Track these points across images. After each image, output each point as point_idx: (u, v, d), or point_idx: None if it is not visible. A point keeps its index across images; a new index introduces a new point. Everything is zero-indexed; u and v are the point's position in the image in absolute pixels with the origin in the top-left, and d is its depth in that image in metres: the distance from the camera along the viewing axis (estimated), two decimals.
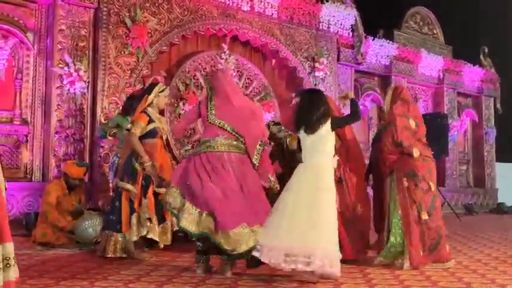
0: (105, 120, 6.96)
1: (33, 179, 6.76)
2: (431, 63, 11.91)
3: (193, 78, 8.21)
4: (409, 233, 4.33)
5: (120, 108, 7.14)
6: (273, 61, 9.33)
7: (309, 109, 4.01)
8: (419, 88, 12.03)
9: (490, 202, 13.07)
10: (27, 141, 6.80)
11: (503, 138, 13.61)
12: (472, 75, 12.96)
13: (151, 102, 4.90)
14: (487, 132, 13.23)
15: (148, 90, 5.03)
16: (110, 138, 6.39)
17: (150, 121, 4.81)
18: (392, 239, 4.41)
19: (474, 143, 13.26)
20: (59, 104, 6.78)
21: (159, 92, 4.97)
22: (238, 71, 8.69)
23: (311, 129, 3.96)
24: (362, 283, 3.72)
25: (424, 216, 4.38)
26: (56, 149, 6.72)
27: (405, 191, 4.42)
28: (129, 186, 4.64)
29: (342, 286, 3.60)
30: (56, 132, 6.74)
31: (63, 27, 6.86)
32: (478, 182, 13.13)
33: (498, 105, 13.47)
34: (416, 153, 4.46)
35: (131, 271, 4.03)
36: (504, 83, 13.61)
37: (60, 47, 6.82)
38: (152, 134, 4.82)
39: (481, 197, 12.85)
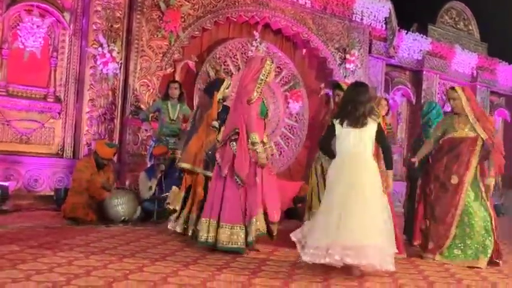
0: (136, 102, 7.09)
1: (64, 156, 6.92)
2: (465, 60, 11.67)
3: (224, 64, 8.24)
4: None
5: (151, 91, 7.27)
6: (304, 51, 9.26)
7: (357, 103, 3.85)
8: (451, 85, 11.78)
9: None
10: (59, 118, 6.94)
11: None
12: (507, 74, 12.64)
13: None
14: None
15: (217, 86, 5.13)
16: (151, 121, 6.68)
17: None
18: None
19: (505, 142, 12.92)
20: (91, 84, 6.89)
21: (226, 89, 5.11)
22: None
23: (358, 123, 3.82)
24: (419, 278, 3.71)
25: None
26: (87, 128, 6.85)
27: None
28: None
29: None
30: (88, 112, 6.87)
31: (98, 8, 6.95)
32: (507, 183, 12.85)
33: None
34: None
35: (159, 249, 4.11)
36: None
37: (95, 27, 6.92)
38: None
39: (509, 198, 12.60)
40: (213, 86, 5.27)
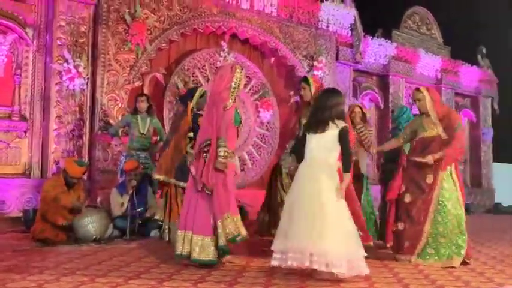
0: (104, 117, 6.99)
1: (31, 176, 6.75)
2: (430, 63, 11.95)
3: (193, 76, 8.22)
4: None
5: (120, 105, 7.19)
6: (272, 59, 9.33)
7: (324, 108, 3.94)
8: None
9: (487, 202, 13.13)
10: (26, 137, 6.77)
11: (500, 138, 13.68)
12: (470, 76, 13.00)
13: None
14: (484, 132, 13.28)
15: (190, 96, 5.21)
16: (120, 136, 6.63)
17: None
18: None
19: (471, 143, 13.30)
20: (58, 100, 6.77)
21: (200, 97, 5.19)
22: None
23: (318, 129, 3.91)
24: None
25: None
26: (55, 146, 6.71)
27: None
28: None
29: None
30: (55, 129, 6.73)
31: (62, 23, 6.85)
32: (475, 182, 13.19)
33: (495, 106, 13.52)
34: None
35: (132, 267, 4.04)
36: (502, 84, 13.66)
37: (59, 43, 6.81)
38: None
39: (478, 197, 12.91)
40: (187, 95, 5.26)
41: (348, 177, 3.89)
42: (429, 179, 4.63)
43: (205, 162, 4.16)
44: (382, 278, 3.90)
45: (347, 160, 3.89)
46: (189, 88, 7.22)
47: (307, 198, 3.75)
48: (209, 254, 4.06)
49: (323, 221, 3.63)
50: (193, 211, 4.16)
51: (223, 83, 4.28)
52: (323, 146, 3.88)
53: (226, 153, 4.10)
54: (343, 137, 3.88)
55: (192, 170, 4.26)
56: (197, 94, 5.15)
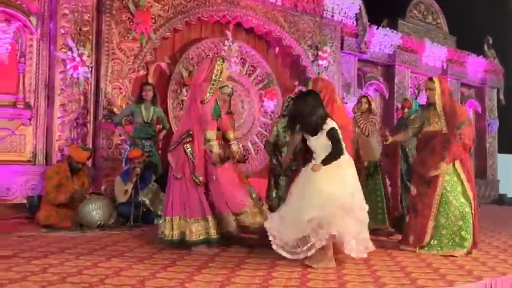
0: (108, 105, 7.00)
1: (36, 163, 6.77)
2: (435, 53, 11.87)
3: (197, 65, 8.19)
4: None
5: (124, 94, 7.19)
6: (277, 49, 9.28)
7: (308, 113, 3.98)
8: (422, 78, 11.95)
9: (491, 193, 13.09)
10: (30, 125, 6.80)
11: (506, 129, 13.59)
12: (476, 66, 12.91)
13: None
14: (489, 123, 13.21)
15: None
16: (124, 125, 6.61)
17: None
18: None
19: (476, 134, 13.21)
20: (62, 89, 6.77)
21: None
22: (241, 58, 8.67)
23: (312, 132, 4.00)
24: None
25: None
26: (59, 134, 6.73)
27: None
28: None
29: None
30: (59, 117, 6.75)
31: (66, 11, 6.83)
32: (480, 173, 13.13)
33: (501, 96, 13.44)
34: None
35: (136, 253, 4.07)
36: (508, 74, 13.56)
37: (63, 31, 6.80)
38: None
39: (482, 188, 12.85)
40: None
41: (321, 166, 3.88)
42: (432, 172, 4.63)
43: (189, 154, 4.21)
44: (385, 266, 3.91)
45: (331, 156, 3.91)
46: None
47: (308, 188, 3.85)
48: (201, 235, 4.17)
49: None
50: (178, 198, 4.24)
51: (203, 74, 4.33)
52: (321, 145, 3.96)
53: (216, 147, 4.17)
54: (331, 138, 3.92)
55: (170, 159, 4.30)
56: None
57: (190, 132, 4.23)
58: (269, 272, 3.56)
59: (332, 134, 3.91)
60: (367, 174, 5.65)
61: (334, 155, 3.90)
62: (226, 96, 5.31)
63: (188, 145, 4.24)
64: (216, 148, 4.17)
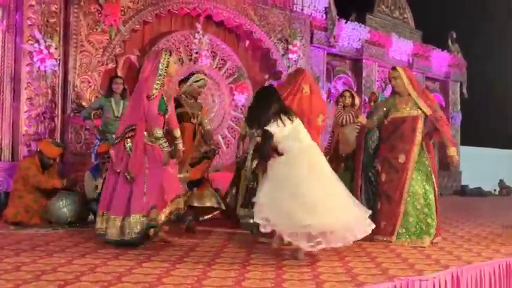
0: (77, 99, 6.87)
1: (2, 159, 6.61)
2: (402, 48, 12.14)
3: None
4: None
5: (92, 87, 7.07)
6: (247, 42, 9.30)
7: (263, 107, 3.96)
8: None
9: (454, 184, 13.52)
10: None
11: (468, 122, 14.04)
12: (440, 60, 13.26)
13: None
14: (453, 116, 13.60)
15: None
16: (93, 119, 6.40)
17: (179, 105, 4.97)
18: None
19: None
20: (29, 82, 6.62)
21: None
22: (212, 52, 8.65)
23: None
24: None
25: None
26: (26, 128, 6.58)
27: None
28: None
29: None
30: (26, 111, 6.60)
31: (32, 2, 6.67)
32: (443, 165, 13.50)
33: (464, 90, 13.84)
34: None
35: (110, 249, 4.04)
36: (471, 68, 13.98)
37: (29, 23, 6.64)
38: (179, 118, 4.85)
39: (445, 179, 13.26)
40: (185, 79, 5.36)
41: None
42: (401, 158, 4.73)
43: (128, 150, 4.15)
44: (357, 257, 4.01)
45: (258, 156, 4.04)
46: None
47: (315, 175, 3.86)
48: (124, 235, 4.07)
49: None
50: (111, 193, 4.18)
51: (148, 66, 4.22)
52: (293, 135, 3.94)
53: (166, 144, 4.14)
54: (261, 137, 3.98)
55: (112, 154, 4.25)
56: (192, 79, 5.18)
57: (134, 127, 4.14)
58: (244, 265, 3.60)
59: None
60: (345, 166, 5.72)
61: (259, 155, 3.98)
62: (200, 89, 5.35)
63: (129, 140, 4.15)
64: (167, 146, 4.14)
